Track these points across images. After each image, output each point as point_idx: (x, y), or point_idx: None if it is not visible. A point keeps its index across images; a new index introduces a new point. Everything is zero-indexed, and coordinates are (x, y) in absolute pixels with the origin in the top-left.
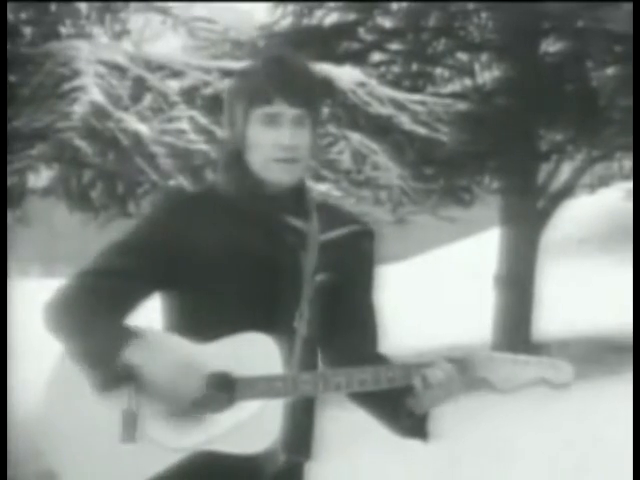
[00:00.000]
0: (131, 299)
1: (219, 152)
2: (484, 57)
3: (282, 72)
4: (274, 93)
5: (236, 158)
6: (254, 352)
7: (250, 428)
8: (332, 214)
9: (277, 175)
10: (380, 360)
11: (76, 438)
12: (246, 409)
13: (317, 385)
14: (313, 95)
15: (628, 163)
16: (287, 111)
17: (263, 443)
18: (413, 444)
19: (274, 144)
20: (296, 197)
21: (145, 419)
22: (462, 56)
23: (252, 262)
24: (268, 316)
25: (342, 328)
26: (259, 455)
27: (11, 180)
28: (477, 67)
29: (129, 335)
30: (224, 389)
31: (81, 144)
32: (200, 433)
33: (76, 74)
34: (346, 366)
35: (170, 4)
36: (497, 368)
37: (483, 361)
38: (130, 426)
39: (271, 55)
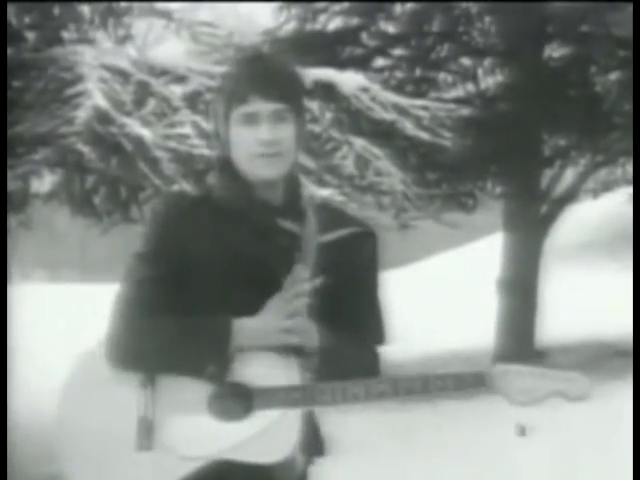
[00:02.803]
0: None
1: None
2: (487, 62)
3: (255, 70)
4: (248, 91)
5: (226, 162)
6: (266, 367)
7: (268, 437)
8: (332, 216)
9: (262, 170)
10: (376, 366)
11: (91, 446)
12: (264, 418)
13: (335, 395)
14: (290, 88)
15: (631, 168)
16: (264, 107)
17: (281, 452)
18: (418, 449)
19: (254, 141)
20: (289, 199)
21: (162, 427)
22: (465, 61)
23: (245, 267)
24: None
25: (343, 333)
26: (276, 464)
27: (14, 185)
28: (480, 72)
29: (227, 320)
30: (241, 399)
31: (84, 149)
32: (217, 442)
33: (79, 79)
34: (347, 372)
35: (173, 8)
36: (514, 382)
37: (500, 375)
38: (146, 433)
39: (247, 55)
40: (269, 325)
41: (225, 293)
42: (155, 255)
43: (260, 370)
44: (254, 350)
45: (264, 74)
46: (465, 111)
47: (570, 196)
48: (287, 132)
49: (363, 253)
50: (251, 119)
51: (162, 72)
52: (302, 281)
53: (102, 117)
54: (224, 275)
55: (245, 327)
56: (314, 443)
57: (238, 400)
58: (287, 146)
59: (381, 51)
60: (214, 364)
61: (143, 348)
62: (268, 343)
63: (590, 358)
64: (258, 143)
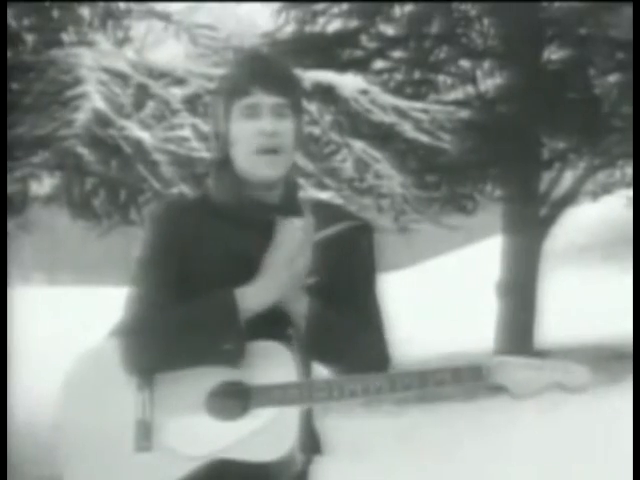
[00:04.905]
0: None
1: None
2: (486, 64)
3: (256, 65)
4: (251, 84)
5: (224, 162)
6: (267, 360)
7: (266, 435)
8: (329, 213)
9: (261, 169)
10: (387, 363)
11: (90, 446)
12: (262, 416)
13: (332, 392)
14: (289, 85)
15: (630, 170)
16: (265, 100)
17: (279, 450)
18: (417, 452)
19: (256, 133)
20: (286, 198)
21: (160, 428)
22: (464, 63)
23: (244, 265)
24: (262, 322)
25: (344, 331)
26: (275, 462)
27: (13, 187)
28: (479, 74)
29: (230, 296)
30: (238, 397)
31: (83, 152)
32: (215, 441)
33: (78, 81)
34: (353, 372)
35: (172, 11)
36: (512, 373)
37: (498, 367)
38: (144, 435)
39: (247, 54)
40: (269, 284)
41: None
42: (156, 260)
43: (267, 363)
44: (257, 339)
45: (265, 69)
46: (464, 113)
47: (569, 199)
48: (287, 127)
49: (360, 247)
50: (252, 111)
51: (161, 74)
52: (295, 239)
53: (101, 120)
54: (224, 274)
55: (247, 292)
56: (311, 441)
57: (235, 399)
58: (286, 142)
59: (380, 53)
60: (229, 339)
61: (159, 346)
62: (270, 303)
63: (589, 360)
64: (259, 134)
